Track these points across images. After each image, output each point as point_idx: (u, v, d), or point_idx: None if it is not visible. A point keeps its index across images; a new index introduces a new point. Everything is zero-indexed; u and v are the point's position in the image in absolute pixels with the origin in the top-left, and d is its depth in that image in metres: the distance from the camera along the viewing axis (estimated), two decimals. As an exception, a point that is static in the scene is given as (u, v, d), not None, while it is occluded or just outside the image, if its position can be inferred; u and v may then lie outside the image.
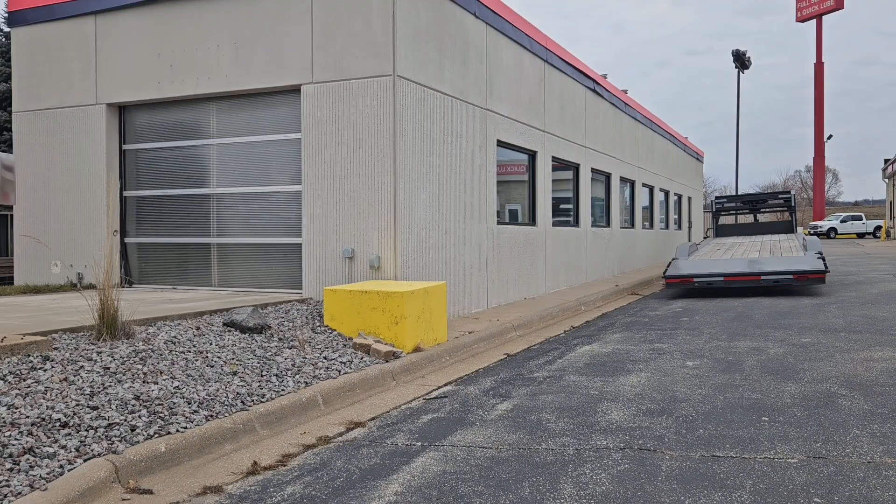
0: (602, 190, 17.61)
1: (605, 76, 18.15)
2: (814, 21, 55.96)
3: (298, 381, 5.89)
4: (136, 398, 4.86)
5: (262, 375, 5.87)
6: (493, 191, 11.30)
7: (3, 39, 21.75)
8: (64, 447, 4.10)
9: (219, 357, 6.09)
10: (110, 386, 4.99)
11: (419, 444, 4.76)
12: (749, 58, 50.10)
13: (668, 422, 5.11)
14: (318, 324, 7.81)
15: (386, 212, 8.78)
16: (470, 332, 8.54)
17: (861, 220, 52.22)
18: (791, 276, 13.07)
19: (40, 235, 10.84)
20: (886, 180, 50.04)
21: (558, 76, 14.20)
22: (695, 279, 13.71)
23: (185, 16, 10.02)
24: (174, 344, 6.20)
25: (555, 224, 14.06)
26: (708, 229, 25.81)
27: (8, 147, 18.68)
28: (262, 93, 9.76)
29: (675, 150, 26.26)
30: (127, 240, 10.96)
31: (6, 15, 13.97)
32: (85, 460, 3.99)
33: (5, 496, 3.53)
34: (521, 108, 12.37)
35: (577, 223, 15.43)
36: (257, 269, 10.06)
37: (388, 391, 6.33)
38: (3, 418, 4.25)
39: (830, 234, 50.20)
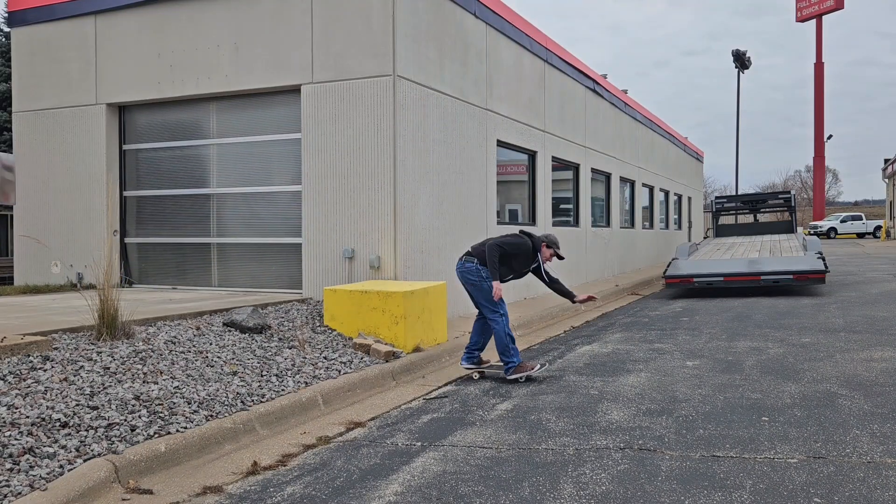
0: (602, 190, 17.61)
1: (605, 76, 18.15)
2: (813, 21, 55.96)
3: (298, 381, 5.89)
4: (136, 398, 4.86)
5: (262, 375, 5.87)
6: (493, 191, 11.30)
7: (3, 39, 21.74)
8: (64, 447, 4.10)
9: (219, 357, 6.09)
10: (110, 386, 4.99)
11: (419, 444, 4.76)
12: (749, 58, 50.05)
13: (668, 422, 5.11)
14: (318, 324, 7.81)
15: (386, 212, 8.79)
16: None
17: (861, 220, 52.18)
18: (791, 276, 13.07)
19: (40, 235, 10.85)
20: (886, 180, 50.04)
21: (558, 76, 14.20)
22: (695, 279, 13.71)
23: (184, 16, 10.02)
24: (174, 344, 6.20)
25: (555, 224, 14.05)
26: (708, 229, 25.81)
27: (8, 147, 18.68)
28: (262, 93, 9.76)
29: (675, 150, 26.26)
30: (127, 240, 10.96)
31: (6, 15, 13.97)
32: (85, 460, 3.99)
33: (5, 496, 3.53)
34: (521, 108, 12.37)
35: (577, 223, 15.43)
36: (257, 269, 10.06)
37: (388, 391, 6.33)
38: (3, 418, 4.25)
39: (830, 234, 50.17)
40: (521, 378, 6.53)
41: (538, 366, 6.62)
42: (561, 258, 6.96)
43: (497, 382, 6.61)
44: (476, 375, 6.87)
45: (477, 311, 6.95)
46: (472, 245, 6.91)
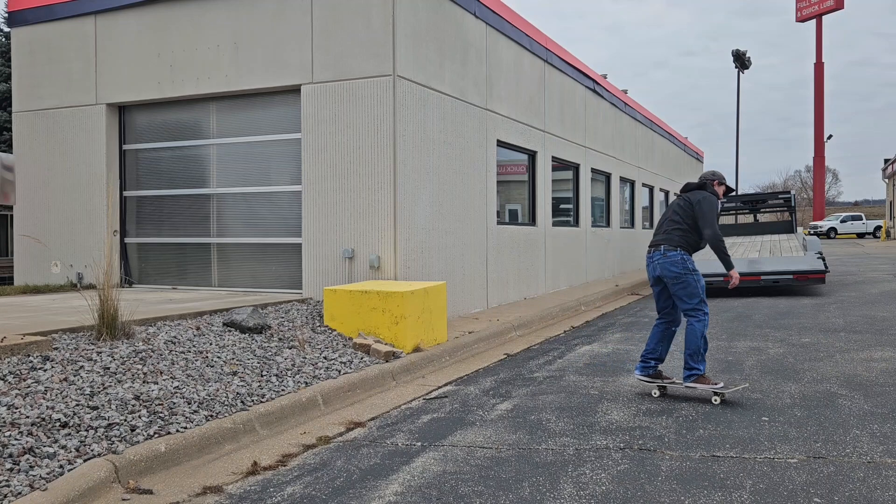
0: (602, 190, 17.61)
1: (604, 76, 18.16)
2: (813, 21, 55.95)
3: (298, 381, 5.89)
4: (136, 398, 4.86)
5: (262, 375, 5.87)
6: (493, 191, 11.30)
7: (3, 39, 21.74)
8: (64, 447, 4.10)
9: (219, 357, 6.09)
10: (110, 386, 4.99)
11: (419, 444, 4.76)
12: (749, 58, 50.11)
13: (668, 422, 5.11)
14: (318, 324, 7.81)
15: (386, 212, 8.79)
16: (470, 332, 8.54)
17: (861, 220, 52.19)
18: (791, 276, 13.08)
19: (40, 235, 10.84)
20: (886, 180, 50.08)
21: (558, 76, 14.20)
22: None
23: (184, 16, 10.02)
24: (174, 344, 6.20)
25: (555, 224, 14.06)
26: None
27: (8, 147, 18.68)
28: (262, 93, 9.76)
29: (674, 149, 26.27)
30: (127, 240, 10.96)
31: (6, 15, 13.97)
32: (85, 460, 3.99)
33: (5, 496, 3.53)
34: (521, 108, 12.37)
35: (577, 223, 15.43)
36: (257, 269, 10.06)
37: (388, 391, 6.33)
38: (3, 418, 4.25)
39: (830, 234, 50.19)
40: (711, 396, 5.67)
41: (722, 384, 5.65)
42: (731, 190, 6.11)
43: (497, 382, 6.61)
44: (656, 392, 5.90)
45: (657, 313, 6.03)
46: (655, 237, 5.95)
